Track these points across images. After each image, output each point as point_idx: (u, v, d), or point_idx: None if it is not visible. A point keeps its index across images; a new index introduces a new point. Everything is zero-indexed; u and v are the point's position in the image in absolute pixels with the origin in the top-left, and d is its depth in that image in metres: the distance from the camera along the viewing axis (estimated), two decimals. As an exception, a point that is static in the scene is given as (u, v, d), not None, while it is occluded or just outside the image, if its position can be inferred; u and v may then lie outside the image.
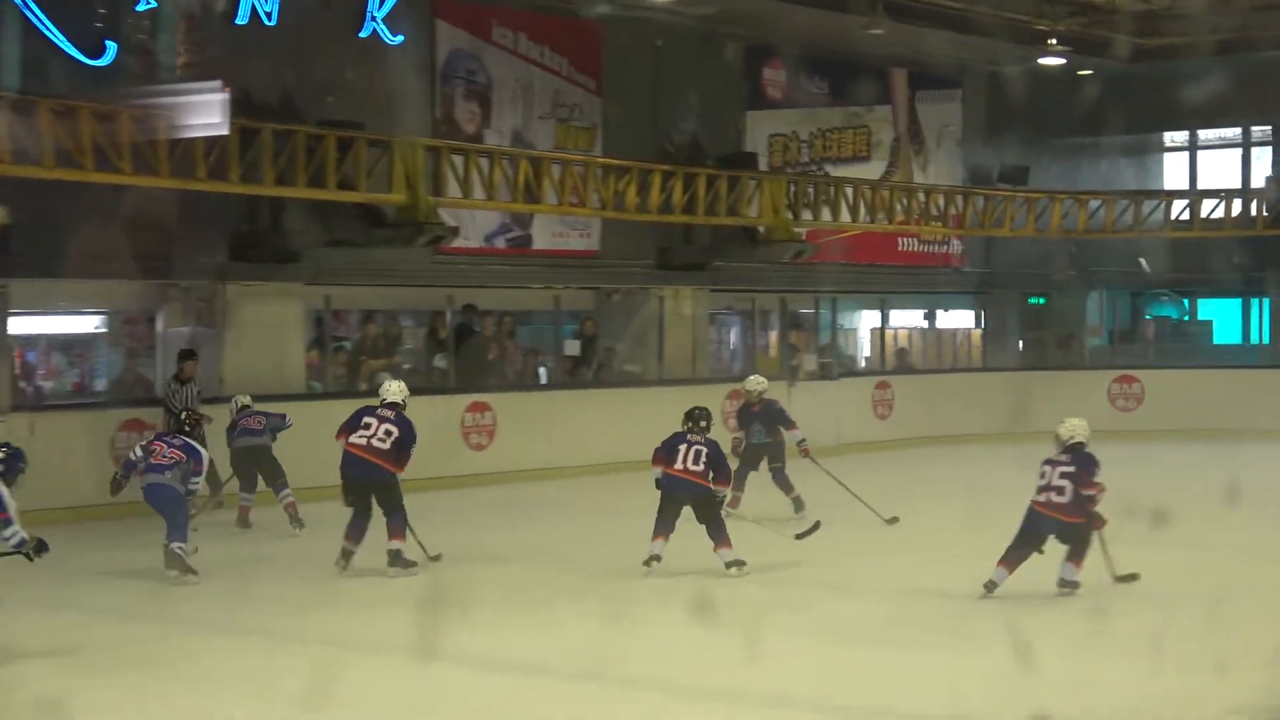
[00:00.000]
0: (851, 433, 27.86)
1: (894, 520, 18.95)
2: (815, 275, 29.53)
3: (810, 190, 27.77)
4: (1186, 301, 36.42)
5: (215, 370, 21.96)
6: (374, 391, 20.32)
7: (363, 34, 23.85)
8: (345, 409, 21.11)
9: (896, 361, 32.32)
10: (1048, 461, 14.29)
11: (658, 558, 15.35)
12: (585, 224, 26.56)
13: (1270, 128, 34.48)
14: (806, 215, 27.50)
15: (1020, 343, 34.31)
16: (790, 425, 19.66)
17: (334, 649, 12.54)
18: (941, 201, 29.81)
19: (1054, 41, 29.85)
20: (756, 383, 19.96)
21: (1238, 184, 34.57)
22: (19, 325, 21.61)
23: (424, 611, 14.00)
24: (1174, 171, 36.64)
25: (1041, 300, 34.34)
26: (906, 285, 32.50)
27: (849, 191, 28.03)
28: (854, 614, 13.98)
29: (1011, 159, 32.38)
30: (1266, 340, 34.16)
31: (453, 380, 24.20)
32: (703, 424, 15.85)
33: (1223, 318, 36.01)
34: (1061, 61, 30.97)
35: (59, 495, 18.12)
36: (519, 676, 11.80)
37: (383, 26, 23.95)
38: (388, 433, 15.80)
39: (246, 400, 19.49)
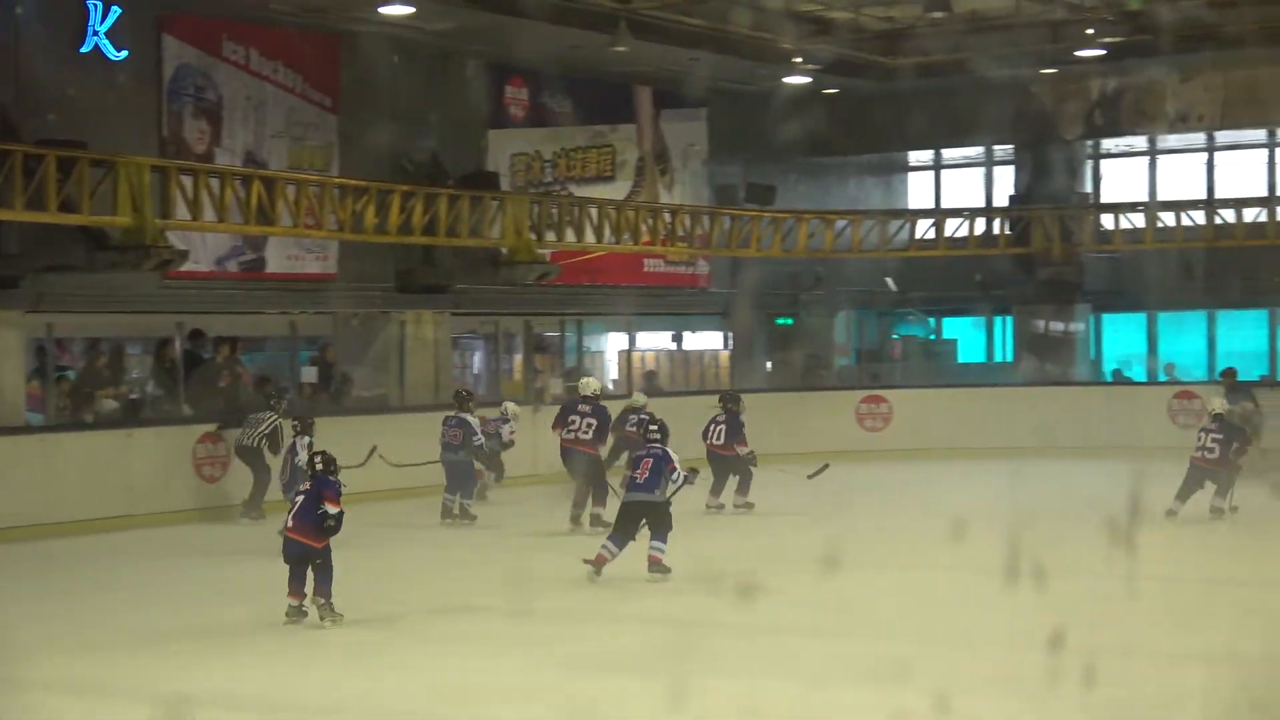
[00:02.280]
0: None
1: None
2: (560, 297, 29.28)
3: (554, 211, 27.40)
4: (932, 320, 36.74)
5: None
6: (102, 424, 19.75)
7: (84, 49, 23.01)
8: (70, 443, 20.84)
9: (644, 384, 31.95)
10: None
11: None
12: (322, 246, 25.82)
13: (1012, 147, 34.91)
14: (550, 236, 27.13)
15: (768, 363, 34.18)
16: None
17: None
18: (687, 222, 29.59)
19: (800, 61, 29.83)
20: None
21: (981, 203, 35.01)
22: None
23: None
24: (919, 191, 37.01)
25: (789, 321, 34.28)
26: (653, 307, 32.22)
27: (593, 212, 27.70)
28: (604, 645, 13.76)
29: (758, 179, 32.36)
30: (1010, 358, 34.51)
31: (183, 410, 23.33)
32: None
33: (967, 336, 36.38)
34: (808, 81, 31.00)
35: None
36: (253, 714, 11.46)
37: (105, 41, 23.09)
38: (589, 425, 20.13)
39: (639, 401, 22.62)
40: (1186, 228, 31.10)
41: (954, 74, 30.67)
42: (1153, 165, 34.59)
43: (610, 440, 21.57)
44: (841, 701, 11.40)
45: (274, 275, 25.62)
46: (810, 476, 22.07)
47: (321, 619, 13.98)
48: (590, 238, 27.60)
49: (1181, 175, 34.21)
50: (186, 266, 23.01)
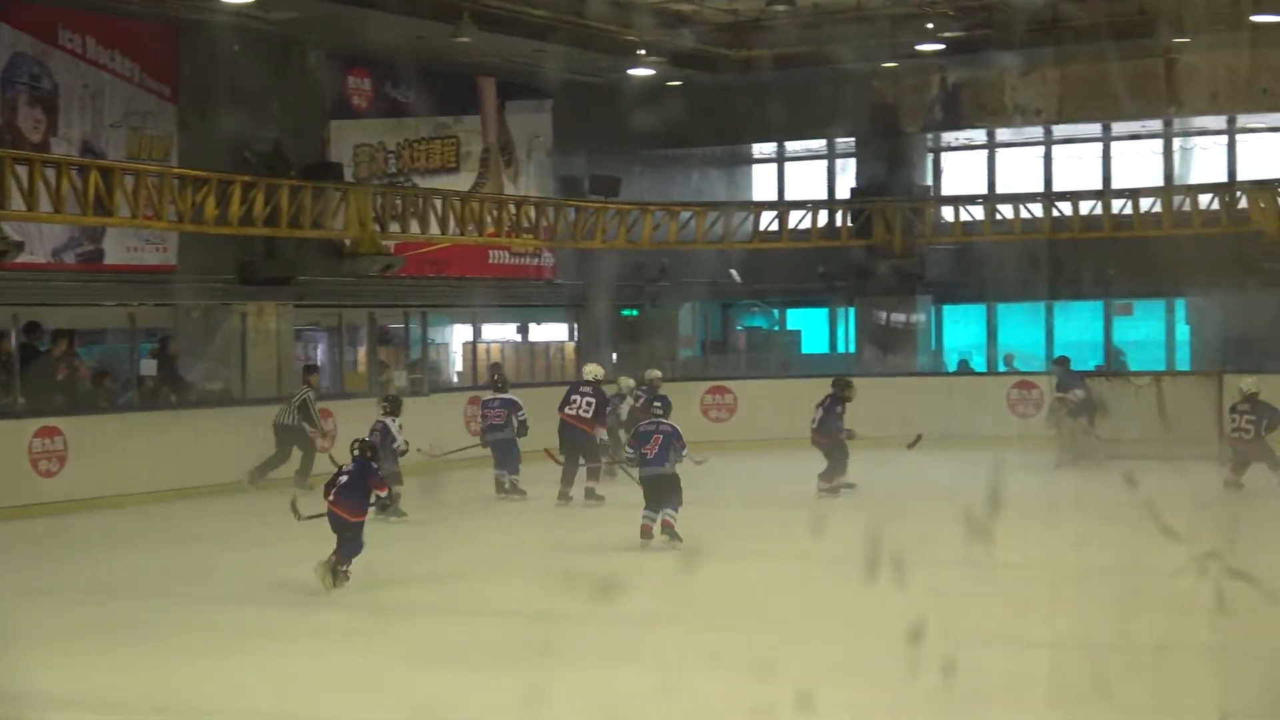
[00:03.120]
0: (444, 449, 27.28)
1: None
2: (404, 289, 29.02)
3: (398, 202, 27.16)
4: (776, 312, 36.90)
5: None
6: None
7: (-87, 35, 22.40)
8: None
9: (490, 375, 31.78)
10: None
11: None
12: (161, 238, 25.38)
13: (854, 140, 35.10)
14: (394, 228, 26.89)
15: (614, 355, 34.13)
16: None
17: None
18: (533, 213, 29.51)
19: (644, 53, 29.81)
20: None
21: (824, 195, 35.21)
22: None
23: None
24: (762, 183, 37.15)
25: (634, 312, 34.28)
26: (498, 299, 31.99)
27: (438, 203, 27.51)
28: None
29: (603, 170, 32.27)
30: (853, 349, 34.71)
31: (18, 404, 22.84)
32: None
33: (811, 327, 36.56)
34: (651, 72, 30.97)
35: None
36: (94, 714, 11.33)
37: (-64, 28, 22.51)
38: (589, 404, 21.81)
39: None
40: (1025, 220, 31.53)
41: (797, 67, 30.81)
42: (991, 158, 34.97)
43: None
44: (700, 692, 11.38)
45: (113, 267, 25.12)
46: (909, 446, 23.08)
47: (321, 577, 15.11)
48: (435, 229, 27.41)
49: (1020, 169, 34.61)
50: (22, 258, 22.40)
